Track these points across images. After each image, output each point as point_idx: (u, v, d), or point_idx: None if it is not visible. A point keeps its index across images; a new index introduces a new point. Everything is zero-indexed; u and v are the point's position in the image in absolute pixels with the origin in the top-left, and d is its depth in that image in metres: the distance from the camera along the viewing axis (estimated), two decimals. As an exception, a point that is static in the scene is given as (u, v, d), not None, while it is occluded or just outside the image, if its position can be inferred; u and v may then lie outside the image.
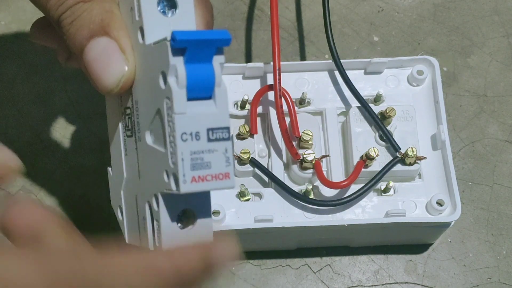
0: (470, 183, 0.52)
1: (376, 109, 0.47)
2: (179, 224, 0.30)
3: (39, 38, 0.37)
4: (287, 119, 0.46)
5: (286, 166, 0.47)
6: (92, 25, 0.30)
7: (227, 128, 0.28)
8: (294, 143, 0.46)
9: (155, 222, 0.30)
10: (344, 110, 0.49)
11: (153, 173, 0.29)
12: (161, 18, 0.29)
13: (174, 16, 0.29)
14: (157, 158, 0.29)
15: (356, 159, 0.46)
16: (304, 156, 0.45)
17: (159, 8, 0.29)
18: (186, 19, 0.30)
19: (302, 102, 0.48)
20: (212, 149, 0.28)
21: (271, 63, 0.46)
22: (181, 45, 0.27)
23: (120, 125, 0.33)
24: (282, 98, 0.45)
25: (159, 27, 0.29)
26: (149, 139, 0.30)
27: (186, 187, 0.27)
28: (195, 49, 0.27)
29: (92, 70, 0.30)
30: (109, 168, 0.35)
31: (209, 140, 0.28)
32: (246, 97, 0.48)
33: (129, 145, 0.32)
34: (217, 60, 0.28)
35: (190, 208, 0.30)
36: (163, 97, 0.28)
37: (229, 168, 0.28)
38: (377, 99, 0.49)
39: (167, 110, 0.27)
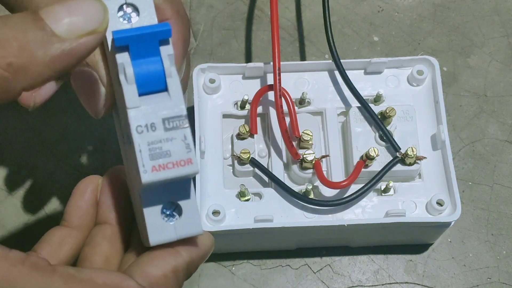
0: (470, 183, 0.52)
1: (376, 109, 0.47)
2: (165, 219, 0.30)
3: None
4: (287, 119, 0.46)
5: (286, 166, 0.47)
6: None
7: (183, 116, 0.28)
8: (294, 143, 0.46)
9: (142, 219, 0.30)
10: (344, 110, 0.49)
11: (133, 172, 0.30)
12: (124, 25, 0.29)
13: (137, 22, 0.29)
14: (132, 158, 0.29)
15: (356, 159, 0.46)
16: (304, 156, 0.45)
17: (119, 14, 0.29)
18: (150, 23, 0.30)
19: (302, 102, 0.48)
20: (170, 138, 0.28)
21: (271, 63, 0.46)
22: (121, 43, 0.27)
23: (119, 128, 0.33)
24: (282, 98, 0.45)
25: None
26: (126, 140, 0.30)
27: (147, 177, 0.28)
28: (137, 44, 0.27)
29: (78, 95, 0.32)
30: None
31: (166, 129, 0.28)
32: (246, 97, 0.48)
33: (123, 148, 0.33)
34: (165, 51, 0.28)
35: (174, 201, 0.30)
36: (123, 97, 0.28)
37: (191, 154, 0.28)
38: (377, 99, 0.49)
39: (123, 107, 0.28)
